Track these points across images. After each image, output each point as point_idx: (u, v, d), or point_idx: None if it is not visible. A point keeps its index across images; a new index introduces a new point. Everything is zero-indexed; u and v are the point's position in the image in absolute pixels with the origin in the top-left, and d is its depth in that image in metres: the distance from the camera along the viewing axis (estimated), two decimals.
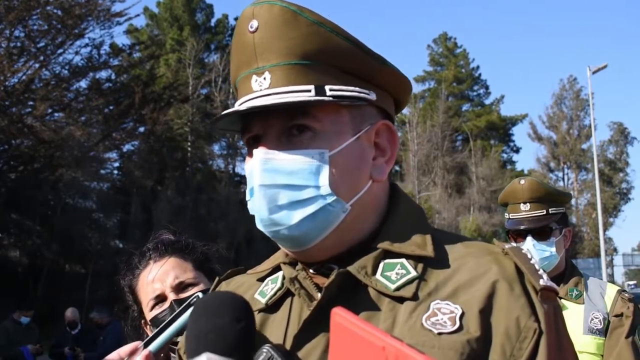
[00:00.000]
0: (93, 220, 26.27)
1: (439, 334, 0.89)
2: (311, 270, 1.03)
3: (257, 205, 0.99)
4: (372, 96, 1.02)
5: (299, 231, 0.98)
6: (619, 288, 2.65)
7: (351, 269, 0.97)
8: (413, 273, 0.96)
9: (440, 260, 0.98)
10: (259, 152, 0.98)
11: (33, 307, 10.14)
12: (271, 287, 1.06)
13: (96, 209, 26.75)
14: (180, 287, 1.69)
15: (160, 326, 1.24)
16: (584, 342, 2.50)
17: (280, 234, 0.99)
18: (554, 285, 0.96)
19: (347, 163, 0.99)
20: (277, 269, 1.09)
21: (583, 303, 2.57)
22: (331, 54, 0.99)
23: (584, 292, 2.60)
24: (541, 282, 0.94)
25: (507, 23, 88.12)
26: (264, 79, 0.98)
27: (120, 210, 27.98)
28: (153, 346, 1.19)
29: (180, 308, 1.23)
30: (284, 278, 1.05)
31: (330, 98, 0.97)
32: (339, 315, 0.82)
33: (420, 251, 0.98)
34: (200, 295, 1.22)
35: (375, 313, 0.95)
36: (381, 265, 0.98)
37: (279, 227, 0.98)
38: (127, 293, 1.80)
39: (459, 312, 0.91)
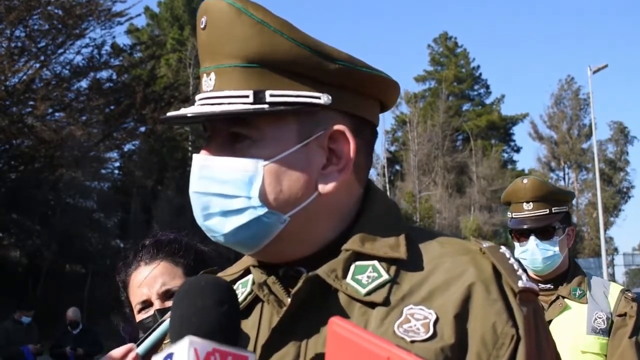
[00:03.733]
0: (93, 220, 26.25)
1: (412, 341, 0.85)
2: (280, 273, 0.98)
3: (194, 212, 0.96)
4: (325, 99, 0.93)
5: (235, 239, 0.95)
6: (623, 287, 2.64)
7: (320, 272, 0.92)
8: (385, 276, 0.91)
9: (414, 262, 0.93)
10: (198, 158, 0.96)
11: (33, 307, 10.14)
12: (241, 291, 1.01)
13: (96, 208, 26.75)
14: (166, 295, 1.65)
15: (152, 328, 1.23)
16: (587, 342, 2.49)
17: (218, 240, 0.97)
18: (533, 286, 0.92)
19: (285, 173, 0.93)
20: (248, 271, 1.04)
21: (586, 303, 2.55)
22: (275, 56, 0.91)
23: (588, 292, 2.59)
24: (520, 283, 0.89)
25: (507, 22, 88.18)
26: (210, 79, 0.95)
27: (120, 210, 27.98)
28: (141, 348, 1.18)
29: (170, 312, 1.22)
30: (253, 282, 1.00)
31: (267, 106, 0.91)
32: (337, 324, 0.78)
33: (392, 253, 0.93)
34: None
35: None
36: (352, 268, 0.93)
37: (215, 234, 0.96)
38: (122, 289, 1.78)
39: (433, 317, 0.87)
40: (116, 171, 30.04)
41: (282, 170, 0.93)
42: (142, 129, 26.51)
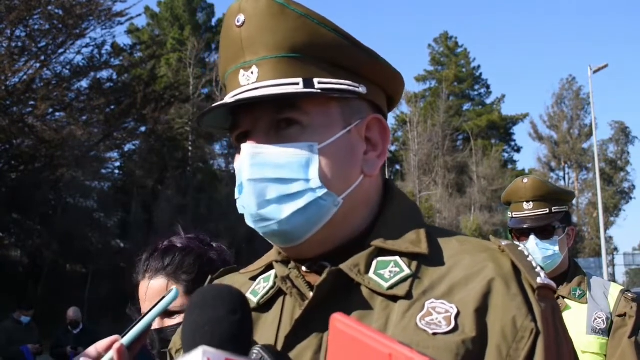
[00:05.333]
0: (94, 220, 26.24)
1: (434, 334, 0.87)
2: (304, 268, 1.01)
3: (246, 201, 0.97)
4: (362, 90, 1.00)
5: (290, 226, 0.95)
6: (622, 288, 2.64)
7: (343, 267, 0.95)
8: (407, 271, 0.94)
9: (435, 258, 0.96)
10: (248, 147, 0.96)
11: (33, 306, 10.13)
12: (263, 285, 1.04)
13: (97, 208, 26.74)
14: (166, 314, 1.63)
15: (136, 320, 1.23)
16: (587, 342, 2.49)
17: (270, 230, 0.97)
18: (551, 283, 0.94)
19: (337, 156, 0.97)
20: (270, 267, 1.06)
21: (586, 303, 2.55)
22: (320, 46, 0.97)
23: (588, 292, 2.59)
24: (538, 280, 0.91)
25: (508, 22, 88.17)
26: (252, 73, 0.96)
27: (121, 209, 27.97)
28: (125, 339, 1.18)
29: (157, 302, 1.22)
30: (276, 277, 1.02)
31: (319, 91, 0.95)
32: (339, 320, 0.78)
33: (414, 248, 0.96)
34: (174, 289, 1.21)
35: (368, 312, 0.92)
36: (374, 263, 0.96)
37: (268, 222, 0.96)
38: (137, 288, 1.78)
39: (455, 311, 0.89)
40: (116, 171, 30.05)
41: (335, 153, 0.97)
42: (143, 128, 26.51)
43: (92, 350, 1.21)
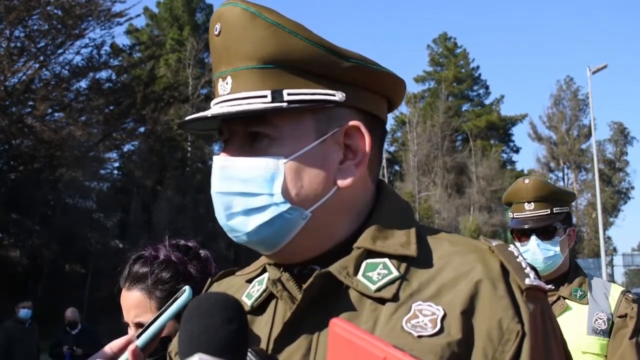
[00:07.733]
0: (93, 220, 26.29)
1: (419, 336, 0.86)
2: (295, 272, 1.00)
3: (216, 212, 0.99)
4: (339, 97, 0.96)
5: (257, 237, 0.97)
6: (623, 289, 2.64)
7: (332, 269, 0.94)
8: (395, 273, 0.93)
9: (424, 259, 0.95)
10: (218, 159, 0.98)
11: (31, 304, 10.09)
12: (257, 288, 1.04)
13: (96, 208, 26.80)
14: (139, 326, 1.64)
15: (150, 320, 1.23)
16: (588, 343, 2.49)
17: (241, 240, 0.98)
18: (541, 284, 0.92)
19: (305, 170, 0.96)
20: (265, 270, 1.06)
21: (587, 303, 2.55)
22: (291, 56, 0.94)
23: (588, 293, 2.58)
24: (527, 281, 0.90)
25: (507, 23, 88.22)
26: (227, 83, 0.97)
27: (120, 210, 28.01)
28: (140, 341, 1.19)
29: (169, 302, 1.23)
30: (269, 279, 1.02)
31: (285, 104, 0.93)
32: (338, 325, 0.79)
33: (403, 250, 0.95)
34: (187, 288, 1.21)
35: (356, 315, 0.92)
36: (363, 265, 0.95)
37: (238, 233, 0.98)
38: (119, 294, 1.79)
39: (441, 313, 0.88)
40: (116, 171, 30.10)
41: (302, 167, 0.96)
42: (142, 129, 26.56)
43: (107, 349, 1.22)
